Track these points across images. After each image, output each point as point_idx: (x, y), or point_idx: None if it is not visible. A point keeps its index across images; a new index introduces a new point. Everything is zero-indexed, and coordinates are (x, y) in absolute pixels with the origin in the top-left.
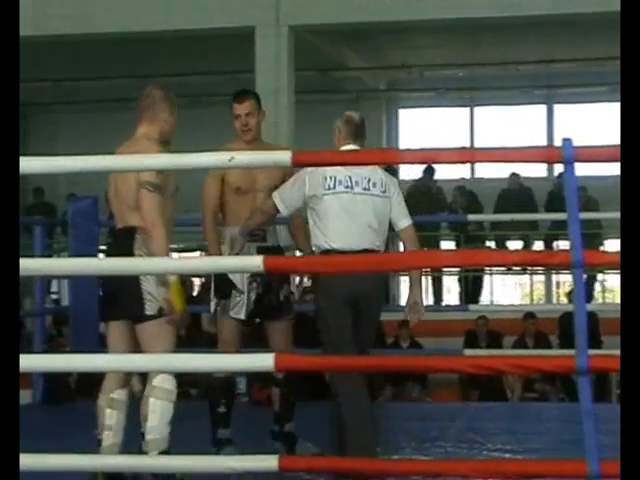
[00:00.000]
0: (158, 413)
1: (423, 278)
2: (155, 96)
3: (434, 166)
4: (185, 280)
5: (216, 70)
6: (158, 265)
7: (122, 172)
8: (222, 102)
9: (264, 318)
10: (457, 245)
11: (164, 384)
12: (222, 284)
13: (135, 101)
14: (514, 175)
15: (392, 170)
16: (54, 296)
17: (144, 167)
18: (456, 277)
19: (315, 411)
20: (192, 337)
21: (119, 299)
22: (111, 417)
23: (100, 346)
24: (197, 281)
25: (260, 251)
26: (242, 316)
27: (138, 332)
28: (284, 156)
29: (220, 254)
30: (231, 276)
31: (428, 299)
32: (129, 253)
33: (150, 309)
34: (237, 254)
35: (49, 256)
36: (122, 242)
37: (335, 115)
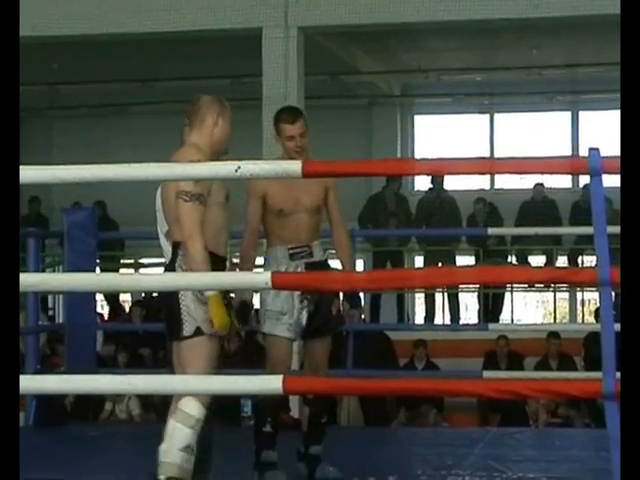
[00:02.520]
0: (171, 436)
1: (438, 295)
2: (202, 102)
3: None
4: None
5: (221, 74)
6: (163, 281)
7: (118, 181)
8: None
9: (316, 336)
10: (476, 260)
11: (186, 407)
12: (242, 309)
13: (135, 106)
14: (539, 185)
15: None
16: (49, 312)
17: (146, 176)
18: (474, 294)
19: (343, 434)
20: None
21: (165, 319)
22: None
23: (97, 365)
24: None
25: (308, 267)
26: (289, 334)
27: (176, 352)
28: (293, 166)
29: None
30: (275, 297)
31: (444, 317)
32: (171, 269)
33: (187, 329)
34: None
35: (42, 271)
36: (170, 259)
37: (347, 122)
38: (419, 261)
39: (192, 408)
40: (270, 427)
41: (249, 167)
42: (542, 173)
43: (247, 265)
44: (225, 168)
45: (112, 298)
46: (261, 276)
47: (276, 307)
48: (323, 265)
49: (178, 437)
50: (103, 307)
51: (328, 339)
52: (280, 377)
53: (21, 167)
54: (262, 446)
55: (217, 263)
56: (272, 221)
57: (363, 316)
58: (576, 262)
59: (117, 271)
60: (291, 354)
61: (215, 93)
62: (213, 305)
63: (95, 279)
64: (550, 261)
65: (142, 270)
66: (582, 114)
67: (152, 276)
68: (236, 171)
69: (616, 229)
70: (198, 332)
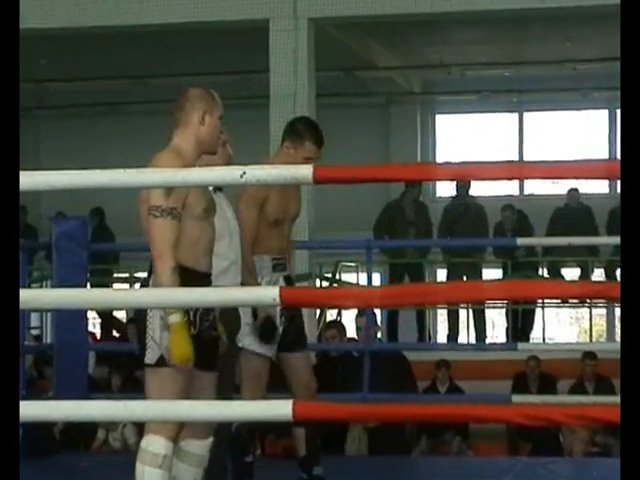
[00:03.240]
0: None
1: (463, 311)
2: (187, 96)
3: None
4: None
5: (224, 69)
6: (155, 297)
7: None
8: (232, 106)
9: (289, 350)
10: (504, 273)
11: (149, 446)
12: (267, 325)
13: (130, 105)
14: (573, 191)
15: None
16: (34, 331)
17: (143, 182)
18: (502, 310)
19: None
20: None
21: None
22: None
23: (90, 390)
24: None
25: (287, 281)
26: (270, 352)
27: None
28: (304, 171)
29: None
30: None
31: (469, 336)
32: (145, 287)
33: (149, 356)
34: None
35: (28, 286)
36: (147, 276)
37: (362, 121)
38: (441, 274)
39: (156, 446)
40: (252, 456)
41: (255, 172)
42: (577, 178)
43: (254, 274)
44: (230, 173)
45: (105, 315)
46: (268, 291)
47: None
48: (292, 280)
49: None
50: (95, 325)
51: (305, 354)
52: (290, 402)
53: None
54: (244, 477)
55: (196, 280)
56: (263, 229)
57: (379, 335)
58: (614, 275)
59: (110, 286)
60: (267, 373)
61: (218, 90)
62: (174, 333)
63: (87, 295)
64: (585, 274)
65: (138, 285)
66: (620, 112)
67: (147, 291)
68: (241, 177)
69: None
70: (161, 362)
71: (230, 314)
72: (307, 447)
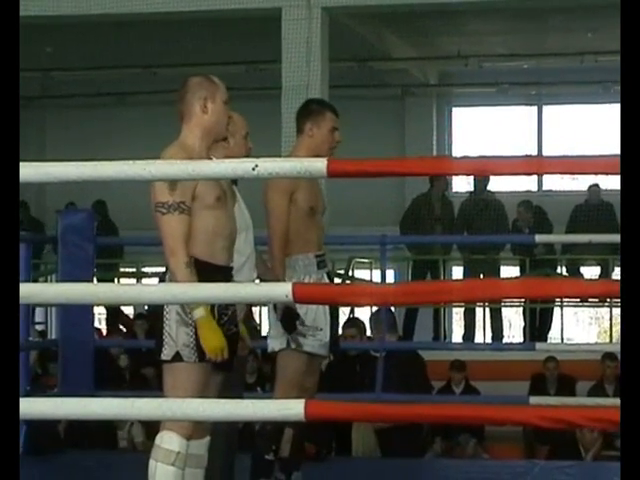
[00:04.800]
0: (154, 479)
1: (479, 310)
2: (187, 87)
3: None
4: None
5: (235, 59)
6: (164, 293)
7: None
8: (241, 97)
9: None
10: (521, 271)
11: (163, 443)
12: (289, 315)
13: (137, 95)
14: (594, 187)
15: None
16: (39, 327)
17: (152, 175)
18: (519, 309)
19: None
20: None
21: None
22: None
23: (96, 387)
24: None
25: (329, 278)
26: (325, 351)
27: None
28: (318, 164)
29: None
30: (308, 309)
31: (486, 335)
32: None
33: (165, 353)
34: None
35: (35, 280)
36: (164, 272)
37: (377, 114)
38: (458, 271)
39: (171, 442)
40: (273, 455)
41: (267, 165)
42: (598, 173)
43: (282, 272)
44: (241, 166)
45: (112, 311)
46: (280, 287)
47: (310, 321)
48: (332, 276)
49: (161, 478)
50: (101, 321)
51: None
52: (301, 402)
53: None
54: (262, 475)
55: (214, 273)
56: (299, 222)
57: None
58: None
59: (115, 281)
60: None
61: (229, 80)
62: (202, 328)
63: (94, 290)
64: (606, 272)
65: (145, 280)
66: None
67: (157, 287)
68: (253, 169)
69: None
70: (177, 358)
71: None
72: (292, 450)
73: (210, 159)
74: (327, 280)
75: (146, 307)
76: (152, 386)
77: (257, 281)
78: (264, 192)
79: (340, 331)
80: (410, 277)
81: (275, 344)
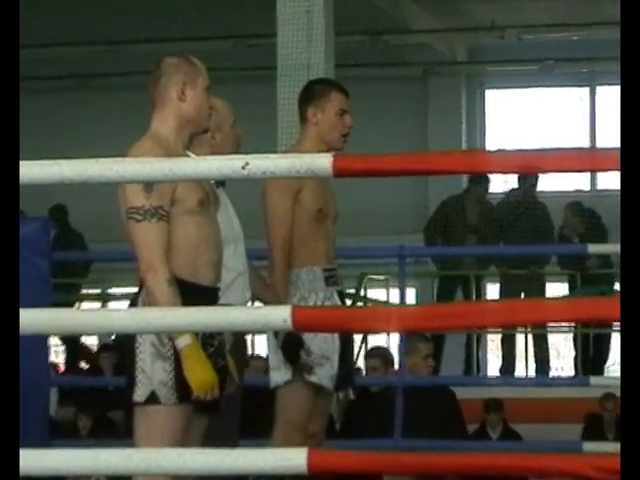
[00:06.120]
0: None
1: (520, 337)
2: (162, 67)
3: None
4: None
5: (220, 34)
6: (136, 319)
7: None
8: (228, 80)
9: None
10: (571, 289)
11: None
12: (291, 342)
13: (101, 77)
14: None
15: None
16: None
17: (121, 176)
18: (569, 335)
19: None
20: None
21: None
22: None
23: (51, 435)
24: None
25: (340, 298)
26: (331, 384)
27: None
28: (322, 161)
29: None
30: (314, 336)
31: (528, 368)
32: (134, 305)
33: (138, 393)
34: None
35: None
36: (137, 291)
37: (394, 99)
38: (493, 290)
39: None
40: None
41: (260, 163)
42: None
43: (284, 289)
44: (228, 165)
45: (71, 342)
46: (277, 311)
47: (316, 349)
48: (344, 295)
49: None
50: (58, 355)
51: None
52: (303, 451)
53: None
54: None
55: (199, 296)
56: (305, 227)
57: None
58: None
59: (75, 305)
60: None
61: (214, 59)
62: (188, 359)
63: (51, 317)
64: None
65: (112, 304)
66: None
67: (127, 312)
68: (243, 168)
69: None
70: (152, 399)
71: (239, 344)
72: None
73: (187, 156)
74: (338, 300)
75: (113, 337)
76: (120, 433)
77: (250, 303)
78: (263, 192)
79: (362, 362)
80: (435, 297)
81: (278, 377)
